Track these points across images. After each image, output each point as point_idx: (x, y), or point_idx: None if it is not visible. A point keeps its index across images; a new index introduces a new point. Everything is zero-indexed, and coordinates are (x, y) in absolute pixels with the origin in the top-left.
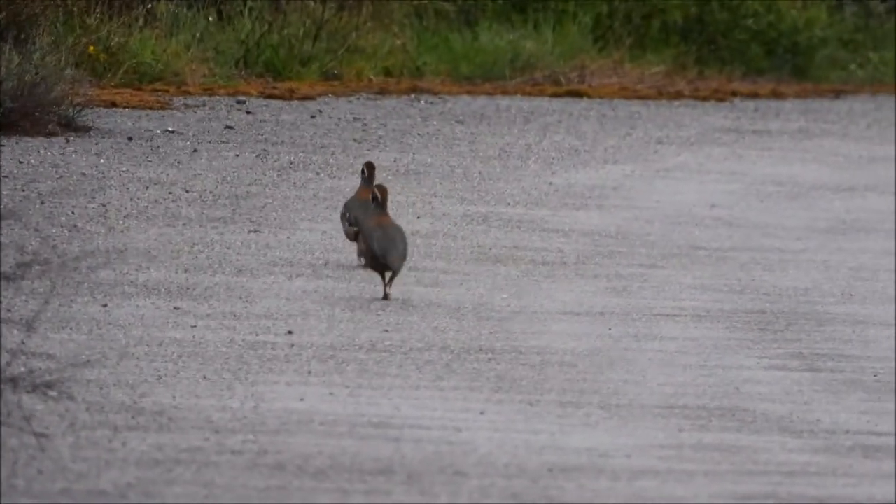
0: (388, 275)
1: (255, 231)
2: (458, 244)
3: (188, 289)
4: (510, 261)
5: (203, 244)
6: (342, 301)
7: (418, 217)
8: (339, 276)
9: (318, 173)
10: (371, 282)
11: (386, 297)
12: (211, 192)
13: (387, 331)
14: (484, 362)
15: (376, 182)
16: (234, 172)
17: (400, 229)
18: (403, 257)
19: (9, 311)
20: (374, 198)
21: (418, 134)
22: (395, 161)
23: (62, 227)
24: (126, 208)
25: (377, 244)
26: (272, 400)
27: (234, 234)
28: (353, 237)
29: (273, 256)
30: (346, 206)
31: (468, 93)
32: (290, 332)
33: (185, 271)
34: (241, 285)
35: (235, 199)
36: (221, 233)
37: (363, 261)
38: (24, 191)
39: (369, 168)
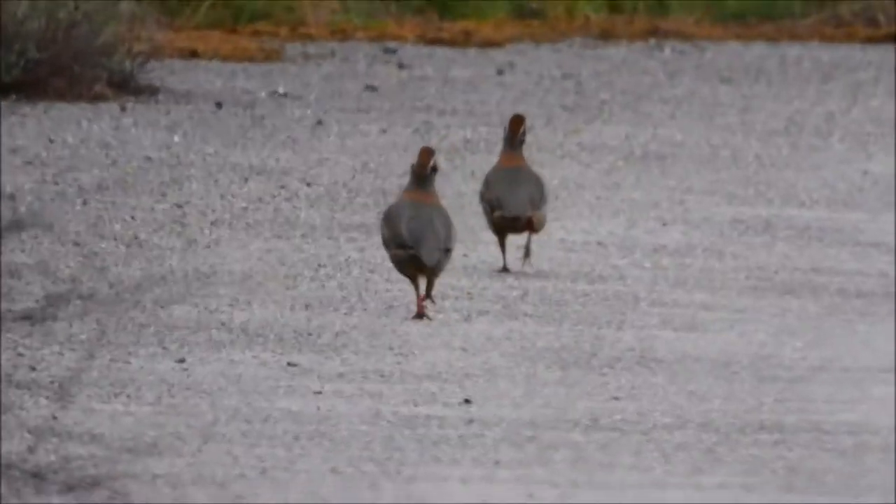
0: (422, 280)
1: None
2: (725, 265)
3: (309, 335)
4: (806, 291)
5: (333, 266)
6: (547, 353)
7: (664, 224)
8: (542, 315)
9: None
10: (592, 324)
11: (420, 315)
12: (345, 186)
13: (616, 398)
14: (768, 446)
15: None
16: (378, 156)
17: (442, 210)
18: (445, 250)
19: (33, 368)
20: (421, 168)
21: (661, 99)
22: (626, 139)
23: (115, 239)
24: (215, 211)
25: (406, 228)
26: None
27: (380, 248)
28: (501, 226)
29: (440, 283)
30: (486, 181)
31: (737, 37)
32: (466, 401)
33: (306, 308)
34: (392, 329)
35: (382, 195)
36: (362, 248)
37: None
38: (56, 184)
39: (514, 124)
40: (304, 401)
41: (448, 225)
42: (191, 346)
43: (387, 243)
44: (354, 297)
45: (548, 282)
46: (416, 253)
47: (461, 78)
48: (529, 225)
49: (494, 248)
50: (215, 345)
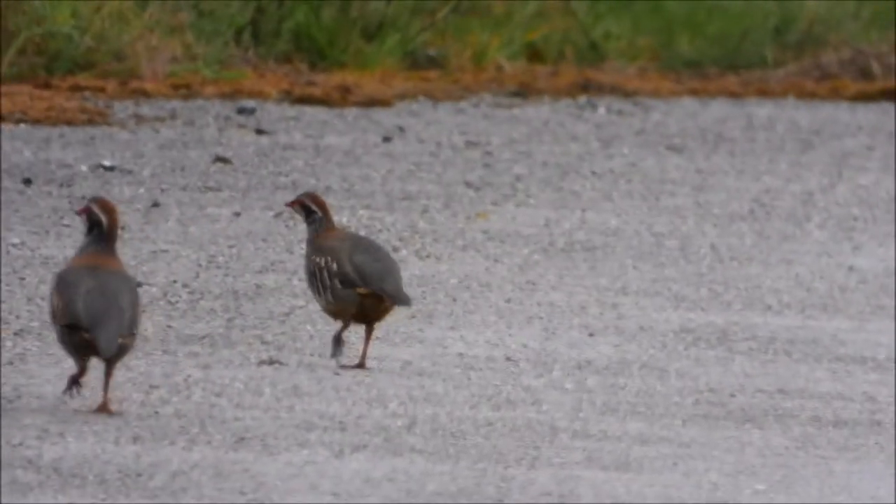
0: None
1: (272, 363)
2: (668, 387)
3: (139, 475)
4: (771, 419)
5: (169, 387)
6: (440, 498)
7: (591, 334)
8: (433, 450)
9: (395, 249)
10: (498, 462)
11: (102, 408)
12: (186, 287)
13: None
14: None
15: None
16: (230, 248)
17: (129, 280)
18: (130, 333)
19: None
20: (93, 221)
21: (593, 174)
22: (546, 226)
23: None
24: (20, 318)
25: (83, 304)
26: None
27: (229, 367)
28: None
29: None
30: (330, 248)
31: (691, 93)
32: None
33: (134, 441)
34: (244, 468)
35: (234, 298)
36: (205, 365)
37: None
38: None
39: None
40: None
41: (135, 301)
42: None
43: (55, 316)
44: (196, 426)
45: (441, 408)
46: (91, 338)
47: (337, 147)
48: None
49: (372, 362)
50: (19, 488)
